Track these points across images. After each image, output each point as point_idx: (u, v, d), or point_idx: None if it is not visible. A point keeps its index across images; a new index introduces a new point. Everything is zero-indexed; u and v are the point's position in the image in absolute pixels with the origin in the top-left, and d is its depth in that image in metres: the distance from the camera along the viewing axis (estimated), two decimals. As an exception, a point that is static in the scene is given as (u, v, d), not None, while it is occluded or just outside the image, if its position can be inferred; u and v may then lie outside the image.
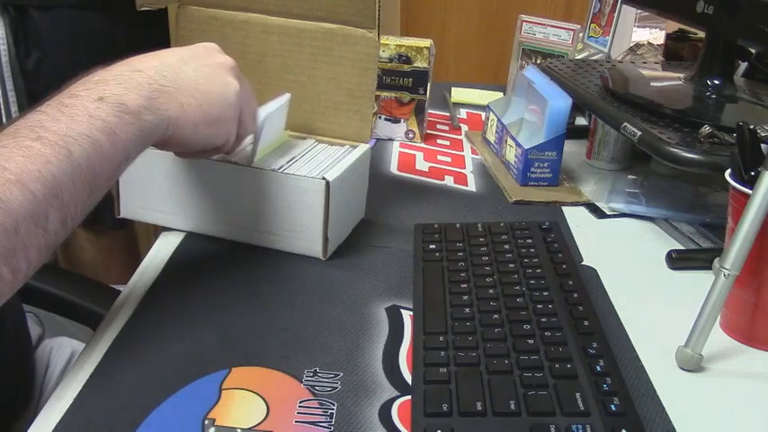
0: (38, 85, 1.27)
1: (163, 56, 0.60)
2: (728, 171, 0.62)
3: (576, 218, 0.85)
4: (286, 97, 0.76)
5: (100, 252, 1.50)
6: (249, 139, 0.71)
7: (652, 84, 1.00)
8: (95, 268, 1.50)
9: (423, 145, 1.08)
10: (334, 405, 0.53)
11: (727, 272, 0.56)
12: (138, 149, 0.56)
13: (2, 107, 1.27)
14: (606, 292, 0.69)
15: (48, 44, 1.26)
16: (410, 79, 1.05)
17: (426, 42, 1.04)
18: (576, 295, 0.62)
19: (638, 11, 1.76)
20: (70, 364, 0.82)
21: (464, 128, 1.16)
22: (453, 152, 1.06)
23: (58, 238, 0.49)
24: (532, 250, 0.70)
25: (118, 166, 0.54)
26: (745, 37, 0.81)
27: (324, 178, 0.69)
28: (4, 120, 1.26)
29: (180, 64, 0.60)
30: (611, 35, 1.18)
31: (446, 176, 0.96)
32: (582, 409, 0.49)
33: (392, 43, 1.03)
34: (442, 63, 1.76)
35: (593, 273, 0.72)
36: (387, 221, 0.82)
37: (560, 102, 0.89)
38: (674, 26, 1.23)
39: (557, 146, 0.90)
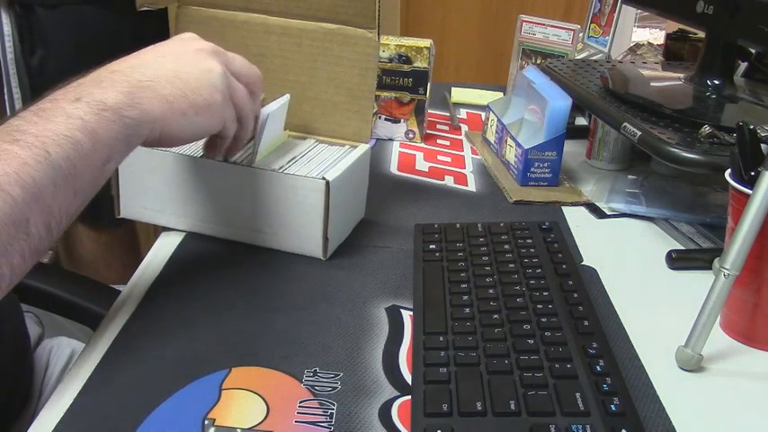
0: (42, 81, 1.28)
1: (140, 54, 0.59)
2: (728, 171, 0.62)
3: (576, 218, 0.85)
4: (286, 98, 0.75)
5: (101, 248, 1.51)
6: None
7: (652, 84, 1.00)
8: (96, 264, 1.51)
9: (423, 145, 1.08)
10: (334, 405, 0.53)
11: (727, 272, 0.56)
12: (123, 149, 0.54)
13: (6, 104, 1.28)
14: (606, 292, 0.69)
15: (52, 41, 1.27)
16: (410, 79, 1.05)
17: (426, 42, 1.04)
18: (576, 295, 0.62)
19: (638, 11, 1.76)
20: (70, 364, 0.82)
21: (464, 128, 1.16)
22: (453, 152, 1.06)
23: (42, 243, 0.48)
24: (532, 250, 0.70)
25: (102, 167, 0.52)
26: (745, 37, 0.81)
27: (324, 178, 0.69)
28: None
29: (157, 58, 0.59)
30: (611, 35, 1.18)
31: (446, 176, 0.96)
32: (582, 409, 0.49)
33: (392, 43, 1.03)
34: (442, 63, 1.77)
35: (593, 273, 0.72)
36: (387, 221, 0.82)
37: (560, 102, 0.89)
38: (674, 26, 1.23)
39: (557, 146, 0.91)
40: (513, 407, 0.49)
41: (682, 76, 0.95)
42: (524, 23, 1.18)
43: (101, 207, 0.59)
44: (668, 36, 1.22)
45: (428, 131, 1.12)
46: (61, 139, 0.49)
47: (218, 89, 0.61)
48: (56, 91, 0.53)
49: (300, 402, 0.53)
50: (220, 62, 0.62)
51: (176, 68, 0.59)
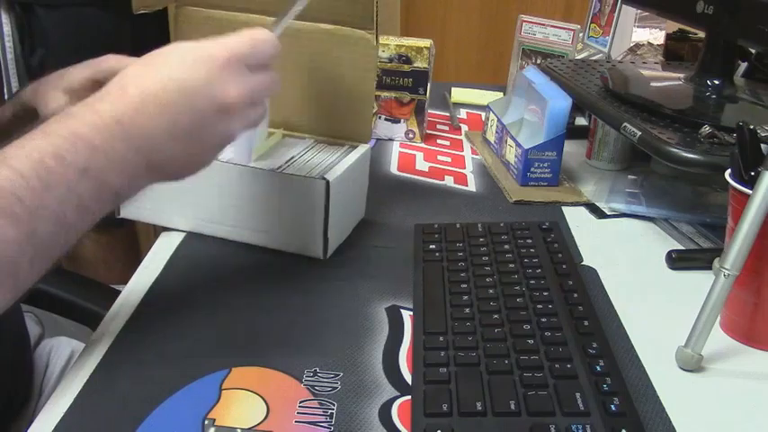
0: None
1: (156, 119, 0.52)
2: (728, 171, 0.62)
3: (575, 218, 0.85)
4: None
5: (101, 248, 1.51)
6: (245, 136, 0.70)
7: (652, 84, 1.00)
8: (96, 264, 1.51)
9: (423, 145, 1.08)
10: (334, 405, 0.53)
11: (727, 272, 0.56)
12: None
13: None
14: (606, 292, 0.69)
15: (52, 42, 1.27)
16: (410, 79, 1.05)
17: (426, 42, 1.04)
18: (575, 295, 0.62)
19: (638, 11, 1.76)
20: (70, 364, 0.82)
21: (464, 128, 1.16)
22: (453, 152, 1.06)
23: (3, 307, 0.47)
24: (532, 250, 0.70)
25: (80, 235, 0.50)
26: (745, 37, 0.81)
27: (324, 178, 0.69)
28: None
29: (175, 130, 0.53)
30: (611, 35, 1.18)
31: (446, 176, 0.96)
32: (582, 409, 0.49)
33: (392, 43, 1.03)
34: (442, 63, 1.76)
35: (593, 273, 0.72)
36: (387, 221, 0.82)
37: (560, 102, 0.89)
38: (674, 26, 1.23)
39: (557, 146, 0.91)
40: (513, 407, 0.49)
41: (682, 76, 0.95)
42: (524, 23, 1.18)
43: None
44: (668, 36, 1.22)
45: (428, 131, 1.12)
46: (53, 216, 0.47)
47: (222, 149, 0.57)
48: (62, 139, 0.48)
49: (300, 402, 0.53)
50: (242, 122, 0.56)
51: (191, 149, 0.54)
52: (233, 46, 0.55)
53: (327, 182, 0.69)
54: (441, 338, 0.57)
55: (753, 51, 1.02)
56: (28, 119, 0.65)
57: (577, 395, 0.50)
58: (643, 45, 1.28)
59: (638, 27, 2.18)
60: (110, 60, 0.64)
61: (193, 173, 0.57)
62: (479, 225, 0.75)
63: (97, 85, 0.56)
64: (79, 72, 0.65)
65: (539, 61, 1.16)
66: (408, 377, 0.56)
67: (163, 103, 0.52)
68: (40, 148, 0.47)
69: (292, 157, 0.75)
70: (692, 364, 0.58)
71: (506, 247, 0.71)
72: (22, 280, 0.47)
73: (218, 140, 0.56)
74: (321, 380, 0.55)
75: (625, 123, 0.81)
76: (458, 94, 1.31)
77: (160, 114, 0.52)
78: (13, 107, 0.69)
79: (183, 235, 0.76)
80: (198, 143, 0.54)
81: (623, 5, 1.13)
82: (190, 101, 0.53)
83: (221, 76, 0.54)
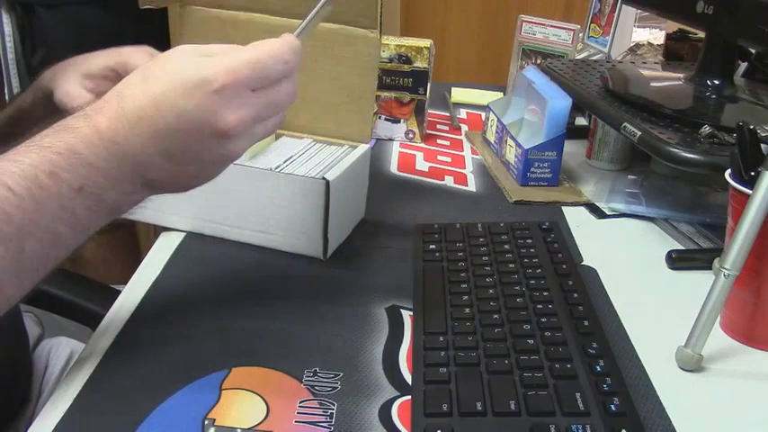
0: None
1: (158, 144, 0.50)
2: (728, 171, 0.62)
3: (575, 218, 0.85)
4: None
5: (101, 248, 1.51)
6: None
7: (652, 84, 1.00)
8: (96, 264, 1.51)
9: (423, 145, 1.08)
10: (334, 405, 0.53)
11: (727, 272, 0.56)
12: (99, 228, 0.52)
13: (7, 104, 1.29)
14: (606, 292, 0.69)
15: (53, 41, 1.28)
16: (410, 79, 1.05)
17: (426, 42, 1.04)
18: (575, 295, 0.62)
19: (638, 11, 1.76)
20: (69, 364, 0.82)
21: (464, 128, 1.16)
22: (453, 152, 1.06)
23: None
24: (532, 250, 0.70)
25: (74, 249, 0.50)
26: (745, 37, 0.81)
27: (324, 178, 0.69)
28: None
29: (176, 154, 0.51)
30: (611, 35, 1.18)
31: (446, 176, 0.96)
32: (582, 409, 0.49)
33: (392, 43, 1.03)
34: (442, 63, 1.76)
35: (593, 273, 0.72)
36: (387, 221, 0.82)
37: (560, 102, 0.89)
38: (674, 26, 1.23)
39: (557, 146, 0.91)
40: (513, 407, 0.49)
41: (682, 76, 0.95)
42: (524, 23, 1.18)
43: None
44: (668, 36, 1.22)
45: (428, 131, 1.12)
46: (43, 233, 0.46)
47: (227, 166, 0.55)
48: (59, 153, 0.47)
49: (300, 402, 0.53)
50: (247, 141, 0.53)
51: (190, 170, 0.53)
52: (234, 69, 0.50)
53: (327, 182, 0.69)
54: (441, 338, 0.57)
55: (753, 51, 1.02)
56: (48, 102, 0.69)
57: (577, 395, 0.50)
58: (643, 45, 1.28)
59: (638, 27, 2.18)
60: (132, 55, 0.65)
61: (195, 187, 0.55)
62: (479, 225, 0.75)
63: (114, 74, 0.57)
64: (101, 60, 0.67)
65: (539, 61, 1.16)
66: (408, 377, 0.56)
67: (158, 127, 0.50)
68: (35, 163, 0.47)
69: (290, 156, 0.75)
70: (692, 364, 0.58)
71: (506, 247, 0.71)
72: (8, 296, 0.46)
73: (221, 159, 0.53)
74: (321, 380, 0.55)
75: (625, 123, 0.81)
76: (458, 94, 1.31)
77: (155, 137, 0.50)
78: (33, 93, 0.71)
79: (182, 235, 0.76)
80: (197, 163, 0.52)
81: (623, 5, 1.13)
82: (185, 128, 0.50)
83: (218, 103, 0.50)
